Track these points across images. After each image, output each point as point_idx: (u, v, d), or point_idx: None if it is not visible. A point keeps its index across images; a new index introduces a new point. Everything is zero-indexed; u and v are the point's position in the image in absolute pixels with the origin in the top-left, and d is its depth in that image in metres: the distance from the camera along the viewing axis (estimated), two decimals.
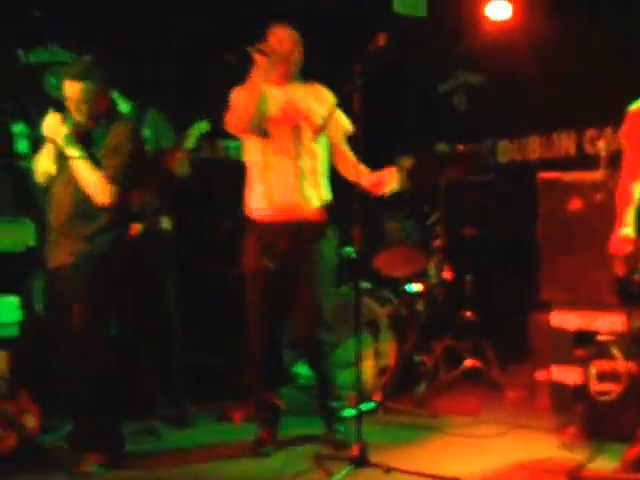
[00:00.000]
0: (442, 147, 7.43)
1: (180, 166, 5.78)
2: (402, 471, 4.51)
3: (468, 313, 6.49)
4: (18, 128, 6.85)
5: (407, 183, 7.05)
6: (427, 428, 5.62)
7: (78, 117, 4.90)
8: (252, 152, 5.20)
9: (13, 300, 6.04)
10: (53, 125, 4.84)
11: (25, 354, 5.65)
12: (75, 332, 4.85)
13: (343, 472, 4.48)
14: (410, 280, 6.83)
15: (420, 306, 6.72)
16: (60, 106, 4.92)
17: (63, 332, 4.92)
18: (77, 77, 4.87)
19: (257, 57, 4.89)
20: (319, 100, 5.20)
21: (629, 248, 4.66)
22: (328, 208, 5.23)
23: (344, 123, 5.29)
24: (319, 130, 5.07)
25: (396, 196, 7.23)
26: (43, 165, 5.02)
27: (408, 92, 8.24)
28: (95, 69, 4.95)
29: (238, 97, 5.11)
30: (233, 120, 5.10)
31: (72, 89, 4.88)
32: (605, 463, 4.69)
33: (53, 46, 6.98)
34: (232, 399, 6.10)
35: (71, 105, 4.90)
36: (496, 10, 7.26)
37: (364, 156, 5.07)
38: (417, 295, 6.80)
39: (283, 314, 5.24)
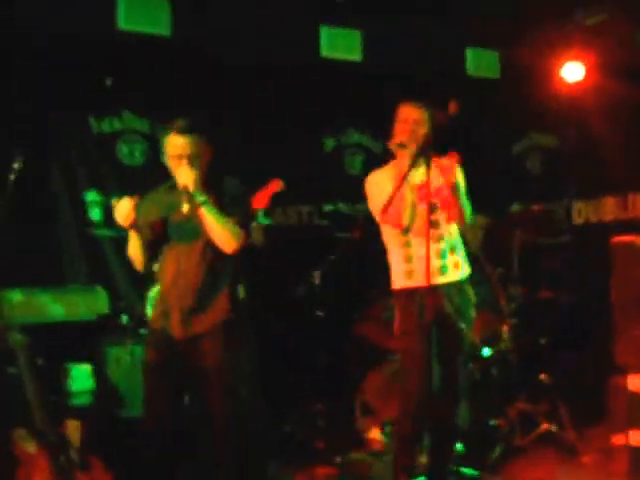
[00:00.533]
0: (517, 208, 7.42)
1: (255, 233, 5.79)
2: None
3: (543, 376, 6.41)
4: (91, 196, 6.98)
5: (483, 243, 7.09)
6: None
7: None
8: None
9: (86, 368, 6.11)
10: (184, 172, 4.68)
11: (99, 423, 5.70)
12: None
13: None
14: (484, 344, 6.79)
15: (494, 369, 6.67)
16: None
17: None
18: (185, 131, 4.77)
19: (398, 151, 5.04)
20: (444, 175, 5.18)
21: None
22: None
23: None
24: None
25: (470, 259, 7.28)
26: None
27: (483, 153, 8.26)
28: (202, 122, 4.92)
29: (381, 188, 5.13)
30: (394, 220, 5.10)
31: (181, 144, 4.77)
32: None
33: (125, 114, 7.13)
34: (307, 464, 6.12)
35: (178, 162, 4.76)
36: (570, 71, 7.27)
37: None
38: (491, 359, 6.76)
39: None
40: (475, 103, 7.74)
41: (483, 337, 6.74)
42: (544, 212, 6.67)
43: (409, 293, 5.14)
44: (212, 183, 4.84)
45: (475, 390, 6.39)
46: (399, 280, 5.19)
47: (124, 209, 4.69)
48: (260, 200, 5.78)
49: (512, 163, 7.94)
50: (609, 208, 7.47)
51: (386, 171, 5.25)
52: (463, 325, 5.20)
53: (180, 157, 4.75)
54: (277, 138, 7.35)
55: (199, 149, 4.79)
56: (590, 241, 7.28)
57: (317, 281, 6.48)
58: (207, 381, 4.80)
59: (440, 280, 5.07)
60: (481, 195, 7.88)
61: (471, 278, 6.99)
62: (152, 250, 4.92)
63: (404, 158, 5.03)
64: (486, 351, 6.75)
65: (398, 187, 4.89)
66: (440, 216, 5.16)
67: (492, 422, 6.48)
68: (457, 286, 5.19)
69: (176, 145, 4.77)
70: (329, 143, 8.01)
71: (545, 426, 6.36)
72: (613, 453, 6.15)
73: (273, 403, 6.16)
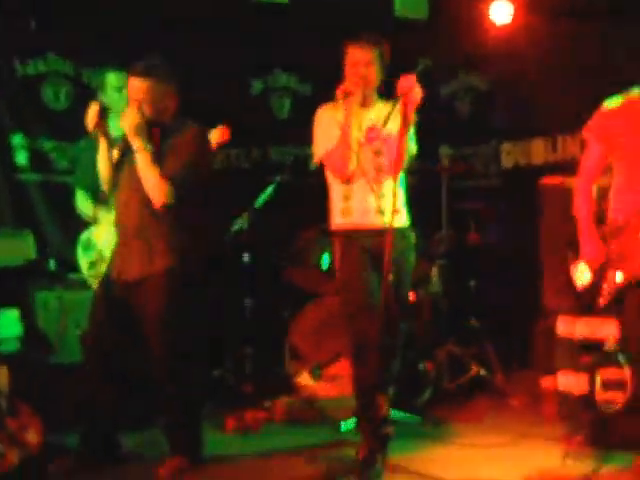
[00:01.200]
0: (445, 150, 7.37)
1: None
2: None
3: (472, 320, 6.42)
4: (17, 140, 6.84)
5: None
6: (431, 437, 5.57)
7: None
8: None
9: (14, 314, 5.99)
10: (128, 115, 4.71)
11: (27, 368, 5.61)
12: (162, 348, 4.82)
13: None
14: (414, 288, 6.79)
15: (423, 313, 6.68)
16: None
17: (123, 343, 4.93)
18: (141, 74, 4.76)
19: (342, 97, 4.83)
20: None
21: (601, 255, 4.62)
22: None
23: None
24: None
25: None
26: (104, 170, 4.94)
27: None
28: (161, 66, 4.86)
29: (328, 130, 4.97)
30: (337, 168, 4.97)
31: (135, 87, 4.78)
32: (611, 472, 4.64)
33: (50, 56, 6.96)
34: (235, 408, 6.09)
35: (134, 105, 4.76)
36: (498, 12, 7.22)
37: None
38: (420, 302, 6.76)
39: None
40: (404, 44, 7.69)
41: (413, 281, 6.73)
42: (472, 156, 6.63)
43: (348, 232, 5.00)
44: (169, 133, 4.84)
45: (404, 333, 6.39)
46: (337, 218, 5.06)
47: (90, 112, 4.79)
48: None
49: (441, 105, 7.91)
50: (538, 150, 7.48)
51: (337, 110, 4.99)
52: (404, 268, 5.05)
53: (131, 100, 4.78)
54: (204, 81, 7.20)
55: (152, 95, 4.78)
56: (519, 183, 7.29)
57: (245, 225, 6.41)
58: (147, 327, 4.83)
59: (379, 222, 4.86)
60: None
61: None
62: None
63: (354, 102, 4.89)
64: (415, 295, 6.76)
65: (345, 134, 4.84)
66: (384, 161, 5.00)
67: (421, 366, 6.49)
68: (399, 231, 4.96)
69: (131, 87, 4.82)
70: (257, 86, 7.89)
71: (474, 370, 6.37)
72: (541, 396, 6.21)
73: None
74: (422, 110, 7.89)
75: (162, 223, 4.79)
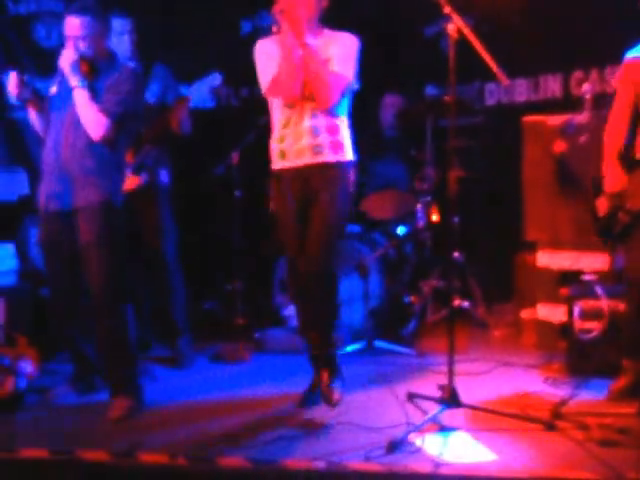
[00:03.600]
0: (431, 90, 7.48)
1: (181, 124, 5.76)
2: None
3: (455, 254, 6.56)
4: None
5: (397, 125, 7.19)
6: (415, 366, 5.73)
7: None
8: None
9: (9, 248, 6.10)
10: (65, 53, 4.79)
11: (22, 301, 5.74)
12: (99, 282, 4.84)
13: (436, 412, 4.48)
14: (398, 223, 6.94)
15: (408, 248, 6.84)
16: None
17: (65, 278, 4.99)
18: (78, 12, 4.83)
19: (279, 20, 4.70)
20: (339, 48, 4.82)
21: (620, 186, 4.80)
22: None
23: None
24: None
25: (386, 140, 7.36)
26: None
27: (395, 35, 8.28)
28: (97, 6, 4.91)
29: (268, 60, 4.82)
30: (282, 91, 4.78)
31: (72, 24, 4.84)
32: (587, 398, 4.83)
33: None
34: (226, 340, 6.25)
35: (71, 43, 4.83)
36: None
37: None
38: (405, 237, 6.92)
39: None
40: None
41: (397, 216, 6.88)
42: (456, 96, 6.74)
43: (281, 173, 4.91)
44: (104, 70, 4.92)
45: (390, 267, 6.55)
46: (275, 161, 4.95)
47: (9, 82, 4.87)
48: (172, 116, 5.73)
49: (425, 45, 7.96)
50: (521, 89, 7.58)
51: (274, 39, 4.88)
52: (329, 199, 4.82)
53: (68, 38, 4.85)
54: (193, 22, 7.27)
55: (89, 31, 4.85)
56: (502, 121, 7.38)
57: (234, 161, 6.51)
58: (84, 258, 4.88)
59: (312, 160, 4.79)
60: (395, 77, 8.00)
61: (386, 158, 7.16)
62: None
63: (291, 22, 4.69)
64: (401, 229, 6.91)
65: (286, 52, 4.70)
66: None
67: (406, 298, 6.67)
68: (334, 167, 4.85)
69: (67, 25, 4.87)
70: (245, 26, 7.94)
71: (457, 302, 6.53)
72: (522, 327, 6.39)
73: (192, 282, 6.23)
74: (407, 50, 8.05)
75: (98, 158, 4.85)
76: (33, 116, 5.04)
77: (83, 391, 5.14)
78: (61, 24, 6.94)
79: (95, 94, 4.81)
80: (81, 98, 4.78)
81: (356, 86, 4.91)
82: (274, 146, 4.95)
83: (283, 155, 4.88)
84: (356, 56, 4.82)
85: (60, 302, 5.04)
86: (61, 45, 6.50)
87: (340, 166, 4.88)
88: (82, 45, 4.82)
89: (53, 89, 4.99)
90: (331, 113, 4.82)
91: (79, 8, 4.85)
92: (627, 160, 4.84)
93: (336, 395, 4.87)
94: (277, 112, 4.92)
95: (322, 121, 4.82)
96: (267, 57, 4.83)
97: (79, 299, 5.03)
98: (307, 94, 4.78)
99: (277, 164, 4.95)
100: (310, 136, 4.80)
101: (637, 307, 4.85)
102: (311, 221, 4.83)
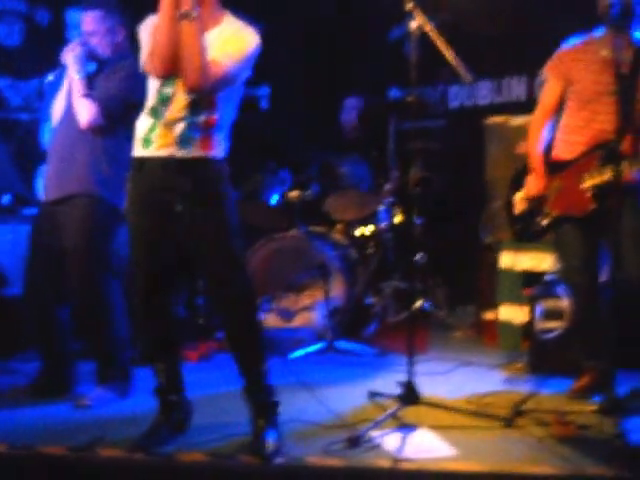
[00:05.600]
0: (394, 93, 7.48)
1: None
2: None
3: (418, 255, 6.54)
4: None
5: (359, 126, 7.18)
6: (376, 366, 5.72)
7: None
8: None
9: None
10: (71, 46, 4.85)
11: None
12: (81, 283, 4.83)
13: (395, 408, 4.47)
14: (361, 223, 6.93)
15: (371, 249, 6.83)
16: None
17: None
18: (89, 7, 4.87)
19: None
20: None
21: (542, 188, 4.80)
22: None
23: None
24: None
25: (348, 141, 7.36)
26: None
27: (359, 38, 8.30)
28: (108, 2, 4.92)
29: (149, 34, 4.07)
30: (157, 61, 3.98)
31: (84, 19, 4.88)
32: (548, 396, 4.82)
33: None
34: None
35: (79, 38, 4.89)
36: None
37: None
38: (368, 238, 6.90)
39: None
40: None
41: (359, 216, 6.87)
42: (419, 98, 6.76)
43: (139, 163, 4.13)
44: (109, 64, 4.90)
45: (352, 268, 6.53)
46: (137, 149, 4.15)
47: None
48: None
49: (389, 48, 7.98)
50: (484, 92, 7.61)
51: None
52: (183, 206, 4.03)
53: (80, 32, 4.91)
54: None
55: (98, 26, 4.86)
56: (465, 123, 7.41)
57: None
58: (67, 253, 4.84)
59: (177, 153, 4.03)
60: (360, 80, 8.01)
61: (349, 159, 7.14)
62: None
63: None
64: (362, 230, 6.90)
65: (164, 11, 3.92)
66: None
67: (368, 299, 6.65)
68: (202, 163, 4.06)
69: (82, 20, 4.89)
70: None
71: (419, 303, 6.52)
72: (484, 328, 6.40)
73: None
74: (373, 53, 8.05)
75: (89, 150, 4.84)
76: None
77: (50, 389, 5.01)
78: (21, 23, 7.01)
79: (93, 87, 4.82)
80: (75, 87, 4.79)
81: (238, 86, 4.18)
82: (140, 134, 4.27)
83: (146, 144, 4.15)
84: (246, 54, 4.06)
85: (37, 297, 4.98)
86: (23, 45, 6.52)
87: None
88: (95, 40, 4.86)
89: (50, 77, 5.06)
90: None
91: (90, 3, 4.87)
92: (548, 161, 4.85)
93: (269, 447, 4.01)
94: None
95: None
96: (148, 31, 4.09)
97: (59, 295, 4.98)
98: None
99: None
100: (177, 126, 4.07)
101: (583, 308, 4.86)
102: None
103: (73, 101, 4.82)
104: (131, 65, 4.76)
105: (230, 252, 4.07)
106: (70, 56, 4.83)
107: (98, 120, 4.77)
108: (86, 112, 4.76)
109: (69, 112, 4.85)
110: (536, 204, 4.84)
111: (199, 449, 4.03)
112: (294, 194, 6.57)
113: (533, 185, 4.84)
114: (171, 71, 3.98)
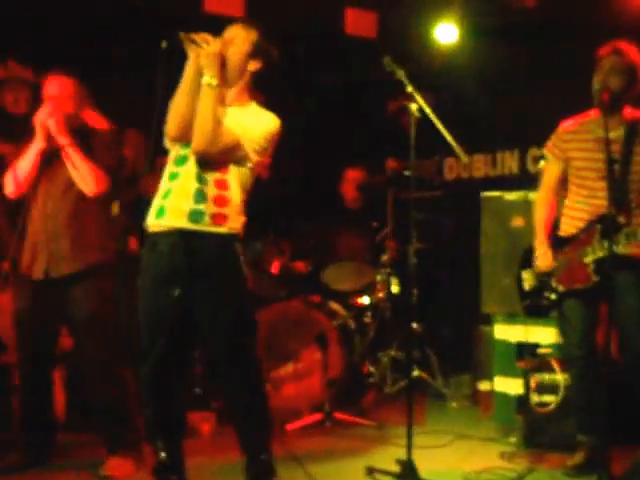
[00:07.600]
0: (391, 164, 7.60)
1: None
2: None
3: (414, 325, 6.60)
4: None
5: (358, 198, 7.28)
6: (374, 439, 5.74)
7: None
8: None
9: None
10: (44, 113, 4.74)
11: None
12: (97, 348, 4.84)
13: None
14: (358, 294, 7.00)
15: (368, 319, 6.89)
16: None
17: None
18: (60, 72, 4.88)
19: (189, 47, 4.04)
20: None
21: (550, 263, 4.90)
22: None
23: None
24: None
25: (348, 212, 7.46)
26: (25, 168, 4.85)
27: (358, 110, 8.45)
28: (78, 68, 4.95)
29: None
30: (169, 121, 4.09)
31: (61, 84, 4.87)
32: (544, 473, 4.88)
33: (10, 62, 7.04)
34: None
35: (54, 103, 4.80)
36: (443, 33, 7.47)
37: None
38: (365, 308, 6.97)
39: None
40: (353, 61, 7.93)
41: (357, 287, 6.95)
42: (416, 170, 6.88)
43: (152, 243, 4.13)
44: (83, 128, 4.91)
45: (349, 337, 6.59)
46: (150, 217, 4.13)
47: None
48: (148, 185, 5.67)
49: (387, 121, 8.12)
50: (479, 165, 7.76)
51: None
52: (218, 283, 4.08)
53: (47, 98, 4.82)
54: None
55: (68, 91, 4.85)
56: (461, 196, 7.52)
57: None
58: (79, 328, 4.88)
59: (188, 226, 4.00)
60: (357, 151, 8.14)
61: (347, 230, 7.23)
62: None
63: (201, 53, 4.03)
64: (360, 300, 6.97)
65: (187, 77, 4.06)
66: None
67: (365, 369, 6.71)
68: (216, 240, 4.04)
69: (56, 85, 4.86)
70: None
71: (415, 373, 6.58)
72: (479, 399, 6.46)
73: None
74: (370, 125, 8.18)
75: (92, 217, 4.85)
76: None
77: (35, 459, 4.96)
78: (28, 91, 7.08)
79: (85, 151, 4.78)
80: (75, 155, 4.73)
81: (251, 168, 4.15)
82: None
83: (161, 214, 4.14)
84: (261, 132, 4.10)
85: (28, 368, 4.95)
86: (29, 112, 6.58)
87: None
88: (66, 105, 4.83)
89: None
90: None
91: (62, 68, 4.89)
92: (554, 236, 4.96)
93: None
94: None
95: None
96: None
97: (50, 364, 5.03)
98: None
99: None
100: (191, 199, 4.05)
101: (578, 382, 4.93)
102: None
103: (74, 170, 4.73)
104: (115, 134, 4.99)
105: (239, 331, 4.11)
106: (58, 122, 4.75)
107: (106, 189, 4.79)
108: (97, 181, 4.74)
109: (63, 180, 4.80)
110: (545, 279, 4.93)
111: None
112: (293, 264, 6.66)
113: (541, 260, 4.93)
114: (184, 136, 4.03)
